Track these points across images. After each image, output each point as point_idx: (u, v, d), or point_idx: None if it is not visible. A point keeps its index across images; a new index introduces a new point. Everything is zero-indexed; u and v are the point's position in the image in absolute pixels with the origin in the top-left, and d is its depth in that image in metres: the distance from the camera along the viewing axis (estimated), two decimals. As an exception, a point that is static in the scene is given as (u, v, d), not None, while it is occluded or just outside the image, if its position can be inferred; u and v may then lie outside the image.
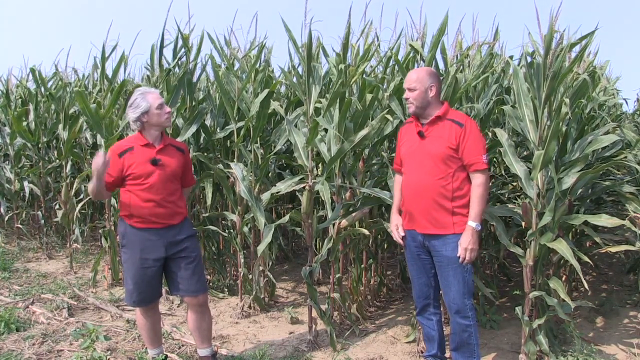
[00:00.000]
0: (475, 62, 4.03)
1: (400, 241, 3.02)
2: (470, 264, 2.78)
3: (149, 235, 2.91)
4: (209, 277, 4.98)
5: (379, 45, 4.17)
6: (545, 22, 2.91)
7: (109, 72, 5.02)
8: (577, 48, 3.19)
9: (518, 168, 3.17)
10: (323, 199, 3.68)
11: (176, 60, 4.44)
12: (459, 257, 2.73)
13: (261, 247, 3.54)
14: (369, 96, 3.65)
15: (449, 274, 2.79)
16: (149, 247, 2.90)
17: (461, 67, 3.91)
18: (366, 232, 3.56)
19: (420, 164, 2.81)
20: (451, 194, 2.74)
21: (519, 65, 4.21)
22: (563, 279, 4.02)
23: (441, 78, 3.59)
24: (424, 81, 2.77)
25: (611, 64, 6.06)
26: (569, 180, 3.14)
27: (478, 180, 2.71)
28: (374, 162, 4.05)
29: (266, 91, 4.01)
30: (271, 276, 4.37)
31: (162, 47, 4.36)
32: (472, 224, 2.70)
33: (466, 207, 2.75)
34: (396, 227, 3.02)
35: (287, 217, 3.68)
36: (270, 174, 4.77)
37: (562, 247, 2.92)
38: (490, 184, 4.03)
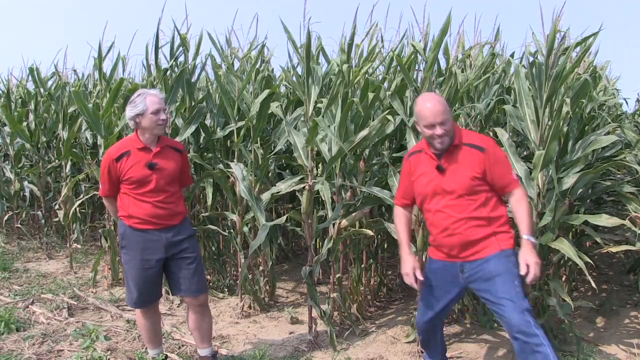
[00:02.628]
0: (477, 62, 4.03)
1: (416, 285, 2.60)
2: (518, 275, 2.40)
3: (149, 236, 2.90)
4: (209, 277, 4.98)
5: (382, 45, 4.17)
6: (549, 22, 2.91)
7: (107, 72, 5.02)
8: (578, 49, 3.19)
9: (518, 168, 3.17)
10: (323, 198, 3.68)
11: (173, 60, 4.44)
12: (517, 272, 2.39)
13: (254, 245, 3.52)
14: (370, 95, 3.65)
15: (498, 289, 2.40)
16: (149, 248, 2.90)
17: (462, 67, 3.92)
18: (370, 232, 3.54)
19: (445, 202, 2.48)
20: (487, 220, 2.45)
21: (520, 64, 4.22)
22: (563, 279, 4.02)
23: (442, 78, 3.59)
24: (449, 109, 2.47)
25: (611, 64, 6.05)
26: (569, 180, 3.14)
27: (517, 196, 2.46)
28: (374, 161, 4.05)
29: (266, 91, 4.01)
30: (265, 274, 4.37)
31: (157, 46, 4.35)
32: (530, 238, 2.41)
33: (507, 224, 2.50)
34: (413, 270, 2.57)
35: (284, 218, 3.68)
36: (270, 174, 4.77)
37: (565, 247, 2.92)
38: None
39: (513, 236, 2.52)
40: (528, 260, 2.35)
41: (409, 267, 2.59)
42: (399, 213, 2.75)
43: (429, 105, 2.42)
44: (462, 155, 2.46)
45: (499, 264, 2.41)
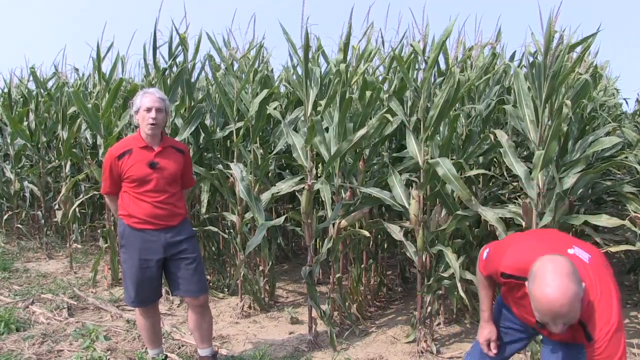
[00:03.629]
0: (478, 62, 4.03)
1: (491, 354, 2.29)
2: None
3: (148, 236, 2.90)
4: (209, 277, 4.98)
5: (382, 44, 4.17)
6: (546, 22, 2.91)
7: (107, 72, 5.02)
8: (578, 48, 3.19)
9: (518, 168, 3.17)
10: (323, 199, 3.68)
11: (172, 60, 4.44)
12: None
13: (251, 244, 3.52)
14: (368, 94, 3.65)
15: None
16: (148, 248, 2.90)
17: (462, 67, 3.92)
18: (366, 233, 3.55)
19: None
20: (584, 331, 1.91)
21: (520, 65, 4.22)
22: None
23: (442, 79, 3.57)
24: (578, 297, 1.74)
25: (611, 64, 6.05)
26: (569, 180, 3.14)
27: None
28: (374, 162, 4.04)
29: (265, 91, 4.01)
30: (265, 274, 4.37)
31: (155, 46, 4.34)
32: None
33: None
34: (487, 342, 2.28)
35: (282, 219, 3.68)
36: (270, 174, 4.77)
37: None
38: (491, 184, 4.03)
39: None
40: None
41: (485, 337, 2.29)
42: (481, 277, 2.30)
43: (552, 301, 1.72)
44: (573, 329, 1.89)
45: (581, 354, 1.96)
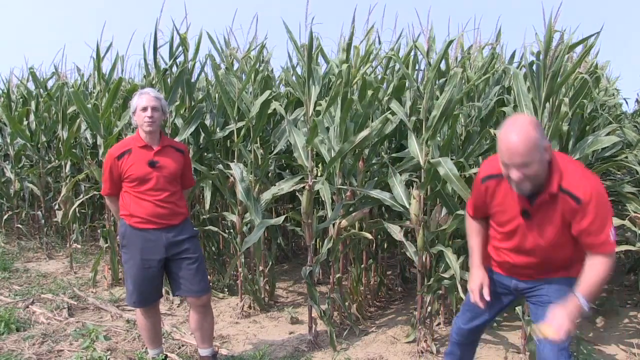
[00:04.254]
0: (477, 63, 4.04)
1: (481, 304, 2.28)
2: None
3: (149, 236, 2.90)
4: (209, 277, 4.97)
5: (380, 46, 4.17)
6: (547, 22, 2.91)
7: (107, 72, 5.02)
8: (579, 49, 3.19)
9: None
10: (323, 199, 3.68)
11: (172, 60, 4.44)
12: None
13: (248, 241, 3.52)
14: (369, 93, 3.65)
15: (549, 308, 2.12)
16: (150, 247, 2.90)
17: (462, 68, 3.92)
18: (369, 236, 3.54)
19: (524, 246, 2.16)
20: (568, 261, 2.15)
21: (519, 65, 4.22)
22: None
23: (444, 80, 3.55)
24: (538, 144, 1.90)
25: (611, 64, 6.06)
26: (569, 180, 3.14)
27: (598, 260, 2.01)
28: (374, 162, 4.05)
29: (267, 92, 4.01)
30: (265, 274, 4.37)
31: (155, 46, 4.34)
32: (581, 298, 1.97)
33: (582, 262, 2.08)
34: (480, 288, 2.27)
35: (281, 218, 3.69)
36: (270, 174, 4.77)
37: None
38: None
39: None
40: (561, 319, 1.95)
41: (477, 283, 2.28)
42: (471, 224, 2.41)
43: (511, 140, 1.91)
44: (555, 204, 2.01)
45: (560, 291, 2.13)
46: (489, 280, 2.34)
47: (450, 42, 3.30)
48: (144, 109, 2.85)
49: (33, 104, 6.39)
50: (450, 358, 2.63)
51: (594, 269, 2.00)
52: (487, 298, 2.25)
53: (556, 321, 1.96)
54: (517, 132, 1.91)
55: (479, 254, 2.36)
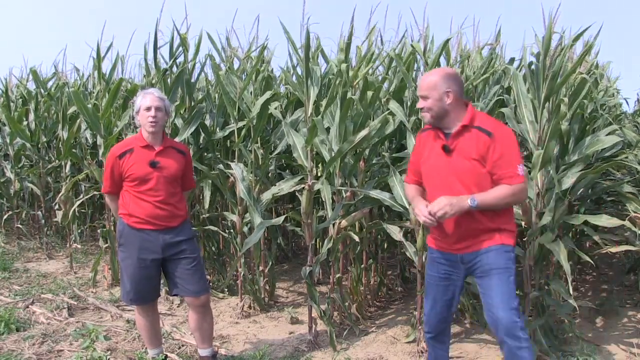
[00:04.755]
0: (476, 63, 4.04)
1: (430, 218, 2.34)
2: (513, 277, 2.38)
3: (147, 236, 2.91)
4: (208, 277, 4.98)
5: (382, 46, 4.17)
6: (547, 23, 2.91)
7: (107, 72, 5.02)
8: (579, 49, 3.20)
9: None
10: (323, 199, 3.68)
11: (173, 60, 4.44)
12: (513, 269, 2.38)
13: (248, 242, 3.52)
14: (369, 94, 3.65)
15: (492, 282, 2.36)
16: (146, 247, 2.91)
17: (462, 68, 3.92)
18: (356, 237, 3.52)
19: (448, 184, 2.38)
20: (490, 211, 2.35)
21: (520, 65, 4.22)
22: (563, 279, 4.02)
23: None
24: (438, 87, 2.35)
25: (611, 64, 6.04)
26: (568, 180, 3.15)
27: (505, 186, 2.31)
28: (374, 162, 4.05)
29: (268, 93, 4.01)
30: (265, 274, 4.37)
31: (155, 46, 4.35)
32: (472, 197, 2.27)
33: (510, 221, 2.43)
34: (425, 205, 2.39)
35: (281, 218, 3.68)
36: (270, 174, 4.77)
37: (558, 250, 2.91)
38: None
39: (516, 234, 2.48)
40: (443, 202, 2.26)
41: (421, 205, 2.41)
42: (410, 187, 2.64)
43: (422, 78, 2.45)
44: (470, 138, 2.35)
45: (498, 259, 2.36)
46: (434, 262, 2.58)
47: (447, 41, 3.30)
48: (148, 109, 2.86)
49: (32, 104, 6.38)
50: None
51: (499, 189, 2.31)
52: (438, 212, 2.30)
53: (440, 200, 2.27)
54: (428, 74, 2.46)
55: (420, 196, 2.57)
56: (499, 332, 2.34)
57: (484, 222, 2.37)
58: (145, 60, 4.55)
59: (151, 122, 2.86)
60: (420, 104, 2.43)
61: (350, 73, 3.61)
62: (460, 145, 2.37)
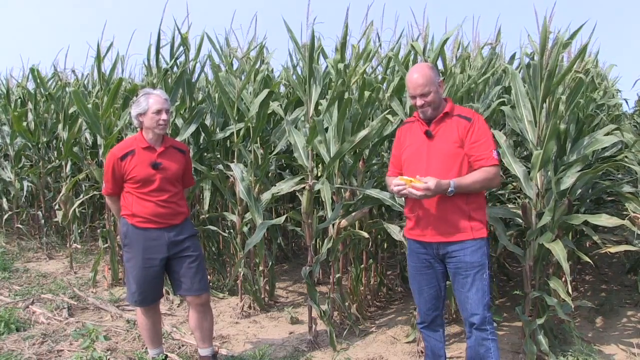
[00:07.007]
0: (476, 63, 4.03)
1: (399, 187, 2.45)
2: (488, 271, 2.55)
3: (151, 235, 2.91)
4: (209, 277, 4.98)
5: (380, 45, 4.17)
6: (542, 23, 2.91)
7: (107, 72, 5.02)
8: (576, 49, 3.19)
9: (517, 168, 3.17)
10: (323, 199, 3.68)
11: (174, 60, 4.44)
12: (488, 265, 2.54)
13: (250, 243, 3.52)
14: (366, 94, 3.65)
15: (468, 280, 2.51)
16: (152, 246, 2.91)
17: (462, 68, 3.91)
18: (365, 234, 3.54)
19: (428, 165, 2.51)
20: (465, 194, 2.47)
21: (519, 66, 4.22)
22: (563, 279, 4.02)
23: (442, 78, 3.59)
24: (434, 79, 2.51)
25: (611, 65, 6.04)
26: (568, 180, 3.15)
27: (481, 169, 2.46)
28: (374, 162, 4.05)
29: (266, 91, 4.01)
30: (265, 274, 4.37)
31: (158, 46, 4.35)
32: (452, 182, 2.40)
33: (482, 210, 2.56)
34: (397, 184, 2.48)
35: (282, 218, 3.68)
36: (270, 174, 4.77)
37: (557, 249, 2.91)
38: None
39: (487, 225, 2.57)
40: (428, 182, 2.35)
41: (395, 182, 2.49)
42: (389, 178, 2.71)
43: (413, 77, 2.53)
44: (451, 124, 2.54)
45: (473, 256, 2.49)
46: (413, 253, 2.69)
47: (446, 40, 3.30)
48: (158, 112, 2.85)
49: (32, 103, 6.38)
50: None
51: (476, 173, 2.46)
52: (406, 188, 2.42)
53: (429, 179, 2.36)
54: (417, 71, 2.54)
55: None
56: (469, 325, 2.56)
57: (459, 205, 2.49)
58: (148, 60, 4.55)
59: (162, 125, 2.88)
60: (420, 101, 2.52)
61: (348, 72, 3.61)
62: (441, 130, 2.55)
